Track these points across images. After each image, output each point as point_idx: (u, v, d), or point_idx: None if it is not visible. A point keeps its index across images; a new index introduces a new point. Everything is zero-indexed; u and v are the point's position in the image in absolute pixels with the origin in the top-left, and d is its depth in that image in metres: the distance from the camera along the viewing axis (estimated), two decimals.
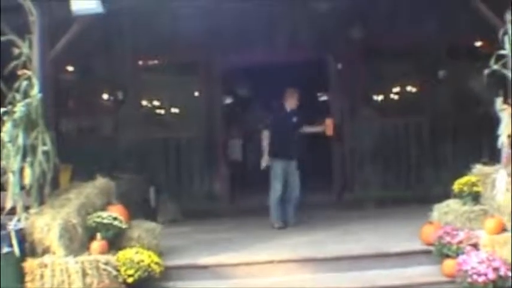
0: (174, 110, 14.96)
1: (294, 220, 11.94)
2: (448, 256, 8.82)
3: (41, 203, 9.11)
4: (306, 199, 12.40)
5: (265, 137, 12.03)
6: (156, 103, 15.00)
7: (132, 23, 13.56)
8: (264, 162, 11.97)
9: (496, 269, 8.13)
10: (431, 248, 9.12)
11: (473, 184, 9.61)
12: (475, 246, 8.76)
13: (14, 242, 8.46)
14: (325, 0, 13.20)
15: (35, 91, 9.18)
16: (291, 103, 12.19)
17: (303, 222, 11.79)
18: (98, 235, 8.98)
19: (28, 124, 9.07)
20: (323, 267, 9.16)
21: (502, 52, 9.20)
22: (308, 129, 12.52)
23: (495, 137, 9.24)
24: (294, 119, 12.07)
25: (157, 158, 14.13)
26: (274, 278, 9.10)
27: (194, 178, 14.33)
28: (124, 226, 9.27)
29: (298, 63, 14.39)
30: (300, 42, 14.05)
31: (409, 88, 14.79)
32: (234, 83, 15.38)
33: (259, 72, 14.54)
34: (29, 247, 8.68)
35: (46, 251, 8.70)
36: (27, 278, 8.51)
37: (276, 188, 11.89)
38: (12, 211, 8.89)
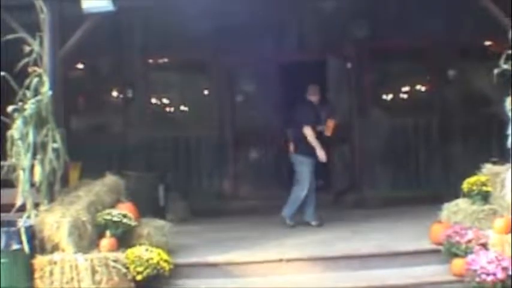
0: (184, 108, 14.98)
1: (316, 221, 11.70)
2: (457, 255, 8.81)
3: (51, 200, 9.14)
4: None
5: (310, 132, 11.66)
6: (165, 101, 15.02)
7: (142, 21, 13.62)
8: (322, 156, 11.64)
9: (505, 269, 8.13)
10: (440, 247, 9.10)
11: (483, 183, 9.60)
12: (484, 245, 8.74)
13: (24, 239, 8.48)
14: (333, 0, 13.22)
15: (46, 88, 9.22)
16: (315, 99, 12.07)
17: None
18: (107, 232, 9.01)
19: (38, 121, 9.10)
20: (332, 266, 9.16)
21: None
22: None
23: (505, 137, 9.22)
24: (322, 115, 12.07)
25: (167, 156, 14.16)
26: (283, 276, 9.10)
27: (204, 176, 14.35)
28: (133, 224, 9.29)
29: (306, 62, 14.36)
30: (308, 41, 14.07)
31: (418, 87, 14.78)
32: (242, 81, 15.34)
33: (267, 70, 14.51)
34: (38, 244, 8.71)
35: (55, 248, 8.72)
36: (37, 275, 8.54)
37: (305, 187, 11.69)
38: (22, 208, 8.93)
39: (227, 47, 13.79)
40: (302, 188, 11.70)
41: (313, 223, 11.64)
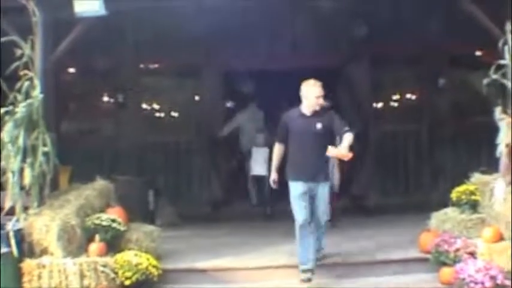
0: (174, 114, 14.97)
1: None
2: (445, 264, 8.84)
3: (40, 203, 9.13)
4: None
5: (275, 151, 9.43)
6: (156, 106, 15.01)
7: (133, 26, 13.59)
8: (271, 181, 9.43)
9: (493, 278, 8.14)
10: (428, 255, 9.13)
11: (472, 192, 9.64)
12: (473, 254, 8.77)
13: (13, 242, 8.48)
14: (327, 6, 13.22)
15: (37, 92, 9.22)
16: (309, 107, 9.31)
17: None
18: (97, 237, 9.01)
19: (29, 125, 9.09)
20: (321, 273, 9.16)
21: (502, 62, 9.23)
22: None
23: (494, 146, 9.26)
24: (318, 126, 9.06)
25: (157, 161, 14.15)
26: (272, 283, 9.11)
27: (193, 182, 14.36)
28: (123, 228, 9.29)
29: (299, 68, 14.37)
30: (301, 47, 14.07)
31: (408, 96, 14.82)
32: (236, 85, 15.35)
33: (260, 75, 14.51)
34: (27, 247, 8.71)
35: (44, 251, 8.73)
36: (25, 279, 8.54)
37: (296, 219, 9.11)
38: (11, 211, 8.91)
39: (219, 52, 13.81)
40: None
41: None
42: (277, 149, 9.30)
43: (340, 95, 14.42)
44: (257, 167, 13.75)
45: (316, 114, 9.07)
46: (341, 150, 8.77)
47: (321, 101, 9.08)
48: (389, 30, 13.28)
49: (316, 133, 8.98)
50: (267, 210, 13.53)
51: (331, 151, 8.75)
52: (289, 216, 9.19)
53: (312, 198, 9.03)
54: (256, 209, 13.93)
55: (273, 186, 9.38)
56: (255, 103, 14.87)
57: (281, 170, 9.33)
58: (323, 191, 9.09)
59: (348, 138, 8.84)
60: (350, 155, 8.73)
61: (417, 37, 13.52)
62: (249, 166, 14.11)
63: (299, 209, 8.96)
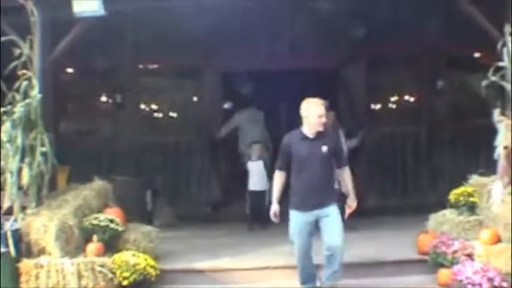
0: (173, 114, 14.96)
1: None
2: (443, 265, 8.84)
3: (38, 203, 9.13)
4: None
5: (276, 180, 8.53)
6: (154, 107, 15.01)
7: (132, 26, 13.59)
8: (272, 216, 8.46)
9: (490, 279, 8.14)
10: (426, 257, 9.14)
11: (470, 194, 9.64)
12: (470, 256, 8.78)
13: (10, 242, 8.47)
14: (326, 8, 13.22)
15: (35, 92, 9.22)
16: (312, 130, 8.34)
17: None
18: (94, 237, 9.00)
19: (27, 125, 9.09)
20: (319, 274, 9.15)
21: (501, 64, 9.23)
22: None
23: (492, 148, 9.26)
24: (324, 149, 8.24)
25: (155, 162, 14.14)
26: (270, 284, 9.12)
27: (191, 183, 14.34)
28: (120, 229, 9.29)
29: (298, 68, 14.37)
30: (300, 48, 14.06)
31: (407, 97, 14.82)
32: (235, 86, 15.33)
33: (259, 76, 14.50)
34: (25, 247, 8.70)
35: (42, 251, 8.73)
36: (23, 279, 8.54)
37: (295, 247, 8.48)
38: (9, 211, 8.90)
39: (218, 52, 13.80)
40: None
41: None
42: (279, 177, 8.43)
43: (338, 96, 14.41)
44: (254, 181, 12.92)
45: (320, 136, 8.26)
46: (352, 203, 8.42)
47: (323, 120, 8.26)
48: (388, 31, 13.28)
49: (322, 157, 8.22)
50: (253, 225, 12.55)
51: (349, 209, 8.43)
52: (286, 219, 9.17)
53: (321, 223, 8.27)
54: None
55: (274, 219, 8.37)
56: (255, 104, 14.63)
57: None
58: (333, 211, 8.25)
59: (349, 178, 8.44)
60: (355, 204, 8.44)
61: (416, 38, 13.53)
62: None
63: (300, 242, 8.29)
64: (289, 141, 8.37)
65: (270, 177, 12.12)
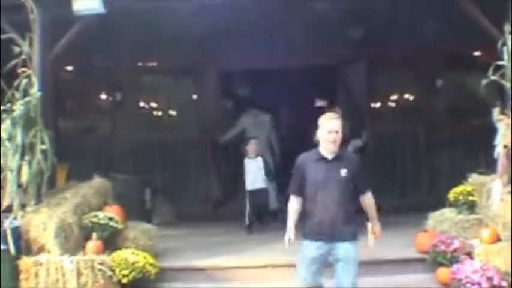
0: (172, 112, 14.97)
1: None
2: (442, 264, 8.85)
3: (38, 201, 9.12)
4: None
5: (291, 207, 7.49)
6: (153, 105, 15.01)
7: (132, 25, 13.57)
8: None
9: (489, 278, 8.16)
10: (425, 256, 9.14)
11: (469, 193, 9.64)
12: (469, 255, 8.78)
13: (10, 239, 8.47)
14: (324, 8, 13.22)
15: (35, 90, 9.22)
16: (329, 147, 7.31)
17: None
18: (94, 235, 9.00)
19: (27, 122, 9.09)
20: None
21: (501, 63, 9.23)
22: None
23: (492, 147, 9.26)
24: (343, 172, 7.23)
25: (154, 160, 14.15)
26: (269, 282, 9.10)
27: (190, 181, 14.35)
28: (120, 227, 9.28)
29: (297, 68, 14.38)
30: (299, 48, 14.06)
31: (406, 96, 14.82)
32: (234, 86, 15.32)
33: (258, 76, 14.49)
34: (24, 245, 8.70)
35: (41, 249, 8.73)
36: (22, 276, 8.54)
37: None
38: (9, 209, 8.90)
39: (217, 51, 13.80)
40: None
41: None
42: (294, 203, 7.39)
43: (338, 95, 14.42)
44: (251, 180, 12.25)
45: (338, 157, 7.27)
46: (377, 228, 7.70)
47: (334, 137, 7.21)
48: (388, 30, 13.28)
49: (340, 181, 7.21)
50: (252, 229, 12.05)
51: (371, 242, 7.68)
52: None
53: (334, 263, 7.31)
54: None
55: (287, 246, 7.41)
56: (260, 106, 14.27)
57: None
58: (350, 252, 7.25)
59: (372, 204, 7.56)
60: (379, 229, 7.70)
61: (415, 38, 13.51)
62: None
63: (308, 275, 7.34)
64: (304, 162, 7.37)
65: (269, 177, 12.37)
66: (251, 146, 12.43)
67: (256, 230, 12.06)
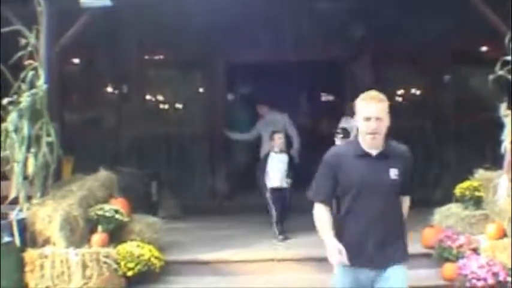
0: (178, 106, 14.97)
1: None
2: (448, 260, 8.83)
3: (44, 193, 9.13)
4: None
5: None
6: (160, 98, 15.01)
7: (138, 17, 13.56)
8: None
9: (495, 274, 8.14)
10: (431, 251, 9.13)
11: (475, 189, 9.62)
12: (475, 250, 8.76)
13: (15, 231, 8.48)
14: (330, 2, 13.20)
15: (41, 82, 9.22)
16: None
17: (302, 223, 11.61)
18: (99, 228, 9.00)
19: (33, 115, 9.09)
20: (323, 267, 9.09)
21: (508, 58, 9.20)
22: None
23: (498, 142, 9.24)
24: (393, 173, 5.52)
25: (160, 153, 14.13)
26: (274, 276, 9.12)
27: (196, 174, 14.33)
28: (125, 219, 9.28)
29: (303, 62, 14.36)
30: (305, 42, 14.03)
31: (413, 91, 14.79)
32: (239, 80, 15.31)
33: (264, 70, 14.48)
34: (29, 237, 8.70)
35: (47, 242, 8.72)
36: (27, 269, 8.54)
37: None
38: (15, 201, 8.91)
39: (223, 45, 13.77)
40: None
41: None
42: (324, 213, 5.52)
43: (345, 89, 14.41)
44: (276, 177, 11.08)
45: (386, 153, 5.52)
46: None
47: (373, 126, 5.41)
48: (394, 25, 13.25)
49: (389, 185, 5.46)
50: (279, 232, 10.76)
51: None
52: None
53: None
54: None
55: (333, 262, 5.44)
56: (272, 107, 13.57)
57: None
58: (399, 278, 5.53)
59: (406, 210, 5.84)
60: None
61: (422, 33, 13.47)
62: (264, 177, 11.22)
63: None
64: (337, 159, 5.54)
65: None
66: (277, 141, 11.26)
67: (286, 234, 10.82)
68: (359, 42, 13.89)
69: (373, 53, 14.16)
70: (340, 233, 5.44)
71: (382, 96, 5.55)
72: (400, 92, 14.81)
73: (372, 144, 5.44)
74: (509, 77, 9.19)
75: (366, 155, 5.47)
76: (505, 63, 9.18)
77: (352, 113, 10.84)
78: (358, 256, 5.38)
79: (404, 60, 14.30)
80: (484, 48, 13.94)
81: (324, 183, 5.54)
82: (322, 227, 5.49)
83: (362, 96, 5.54)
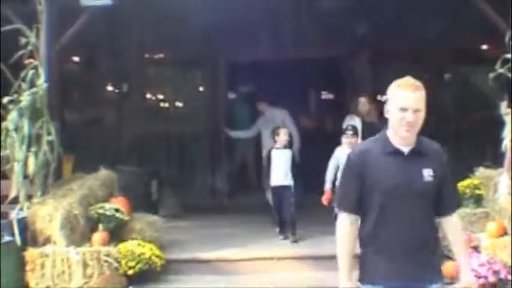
0: (179, 104, 14.98)
1: None
2: (448, 258, 8.80)
3: (44, 192, 9.12)
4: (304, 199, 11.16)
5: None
6: (160, 97, 15.01)
7: (139, 16, 13.57)
8: None
9: (496, 272, 8.14)
10: None
11: (476, 187, 9.60)
12: (476, 248, 8.75)
13: (16, 231, 8.47)
14: (330, 0, 13.20)
15: (41, 81, 9.22)
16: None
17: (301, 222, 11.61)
18: (100, 226, 8.99)
19: (33, 113, 9.09)
20: (322, 265, 9.15)
21: (508, 56, 9.20)
22: None
23: (499, 141, 9.24)
24: (427, 174, 4.69)
25: (160, 152, 14.14)
26: (274, 274, 9.12)
27: (197, 173, 14.34)
28: (126, 218, 9.27)
29: (303, 60, 14.36)
30: (305, 40, 14.03)
31: None
32: (240, 78, 15.31)
33: (264, 68, 14.48)
34: (30, 236, 8.69)
35: (47, 241, 8.71)
36: (28, 268, 8.53)
37: None
38: (15, 200, 8.91)
39: (224, 43, 13.77)
40: None
41: None
42: (349, 227, 4.64)
43: (345, 87, 14.42)
44: (278, 175, 10.59)
45: (419, 150, 4.75)
46: (468, 278, 5.03)
47: (411, 117, 4.71)
48: (394, 24, 13.25)
49: (424, 187, 4.61)
50: (289, 237, 10.35)
51: None
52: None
53: None
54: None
55: None
56: (272, 104, 13.38)
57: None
58: None
59: (460, 232, 4.99)
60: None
61: (422, 31, 13.46)
62: (267, 174, 10.78)
63: None
64: (363, 158, 4.69)
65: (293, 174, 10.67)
66: (282, 136, 10.70)
67: (290, 236, 10.42)
68: (359, 41, 13.88)
69: (372, 51, 14.15)
70: (367, 244, 4.63)
71: (420, 83, 4.90)
72: None
73: (405, 140, 4.68)
74: (510, 75, 9.19)
75: (397, 152, 4.66)
76: (505, 61, 9.19)
77: (357, 111, 10.98)
78: (390, 272, 4.57)
79: (404, 59, 14.28)
80: (484, 47, 13.93)
81: (350, 186, 4.66)
82: (341, 255, 4.65)
83: (398, 82, 4.87)
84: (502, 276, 8.15)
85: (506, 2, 9.57)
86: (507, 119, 9.16)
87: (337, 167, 9.62)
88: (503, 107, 9.25)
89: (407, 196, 4.56)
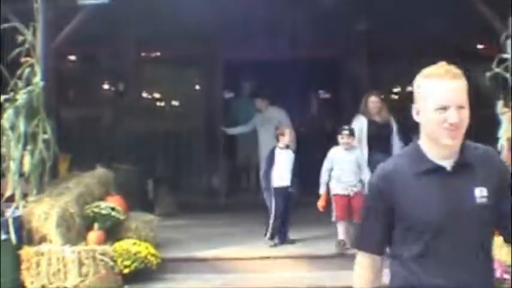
0: (175, 103, 14.97)
1: None
2: None
3: (40, 191, 9.12)
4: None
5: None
6: (156, 95, 15.00)
7: (135, 15, 13.55)
8: None
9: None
10: None
11: None
12: None
13: (11, 229, 8.47)
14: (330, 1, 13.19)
15: (38, 79, 9.22)
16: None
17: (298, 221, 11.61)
18: (96, 225, 8.99)
19: (29, 112, 9.09)
20: (318, 264, 9.17)
21: (504, 56, 9.20)
22: None
23: (495, 140, 9.23)
24: (480, 195, 3.44)
25: (157, 151, 14.13)
26: (270, 273, 9.12)
27: (193, 172, 14.34)
28: (122, 217, 9.27)
29: (300, 60, 14.35)
30: (302, 39, 14.02)
31: (410, 89, 14.76)
32: (236, 77, 15.29)
33: (261, 67, 14.46)
34: (26, 235, 8.70)
35: (43, 239, 8.72)
36: (23, 266, 8.53)
37: None
38: (11, 198, 8.90)
39: (220, 42, 13.77)
40: None
41: None
42: (366, 272, 3.64)
43: (341, 86, 14.41)
44: (282, 175, 10.13)
45: (466, 163, 3.55)
46: None
47: (454, 117, 3.54)
48: (391, 23, 13.24)
49: (476, 212, 3.43)
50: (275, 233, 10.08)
51: None
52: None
53: None
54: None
55: None
56: (272, 103, 13.18)
57: None
58: None
59: None
60: None
61: (418, 30, 13.46)
62: (268, 174, 10.28)
63: None
64: (391, 182, 3.51)
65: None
66: (287, 136, 10.29)
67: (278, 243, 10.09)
68: (357, 40, 13.88)
69: (370, 51, 14.14)
70: (403, 283, 3.50)
71: (458, 70, 3.63)
72: (396, 89, 14.80)
73: (448, 150, 3.49)
74: (506, 74, 9.20)
75: (437, 169, 3.45)
76: (502, 61, 9.18)
77: (366, 111, 10.78)
78: None
79: (401, 58, 14.27)
80: (480, 46, 13.93)
81: (373, 225, 3.56)
82: None
83: (427, 71, 3.64)
84: (499, 275, 8.13)
85: (503, 2, 9.57)
86: (503, 118, 9.15)
87: (331, 169, 9.58)
88: (500, 106, 9.24)
89: (455, 227, 3.38)
